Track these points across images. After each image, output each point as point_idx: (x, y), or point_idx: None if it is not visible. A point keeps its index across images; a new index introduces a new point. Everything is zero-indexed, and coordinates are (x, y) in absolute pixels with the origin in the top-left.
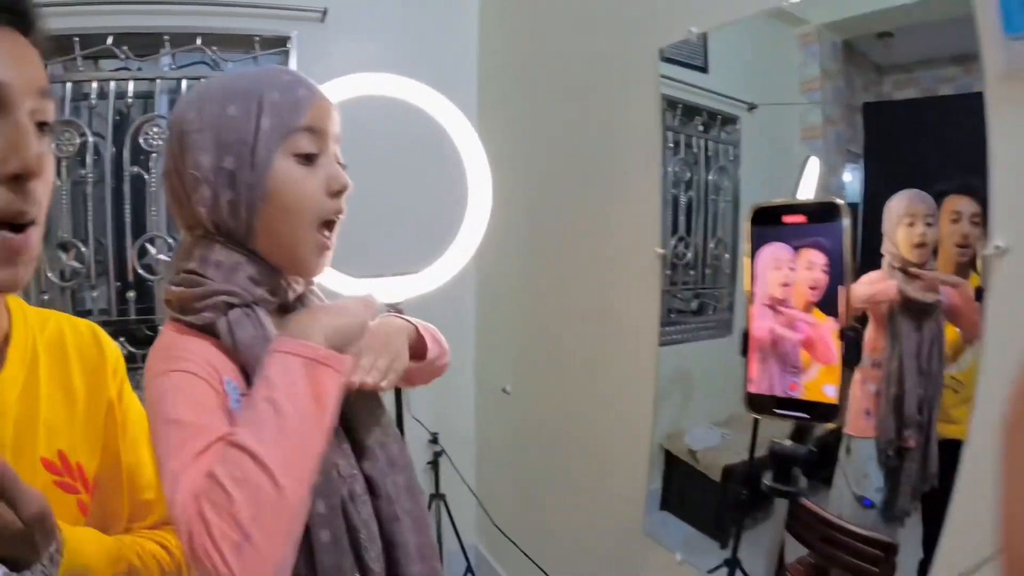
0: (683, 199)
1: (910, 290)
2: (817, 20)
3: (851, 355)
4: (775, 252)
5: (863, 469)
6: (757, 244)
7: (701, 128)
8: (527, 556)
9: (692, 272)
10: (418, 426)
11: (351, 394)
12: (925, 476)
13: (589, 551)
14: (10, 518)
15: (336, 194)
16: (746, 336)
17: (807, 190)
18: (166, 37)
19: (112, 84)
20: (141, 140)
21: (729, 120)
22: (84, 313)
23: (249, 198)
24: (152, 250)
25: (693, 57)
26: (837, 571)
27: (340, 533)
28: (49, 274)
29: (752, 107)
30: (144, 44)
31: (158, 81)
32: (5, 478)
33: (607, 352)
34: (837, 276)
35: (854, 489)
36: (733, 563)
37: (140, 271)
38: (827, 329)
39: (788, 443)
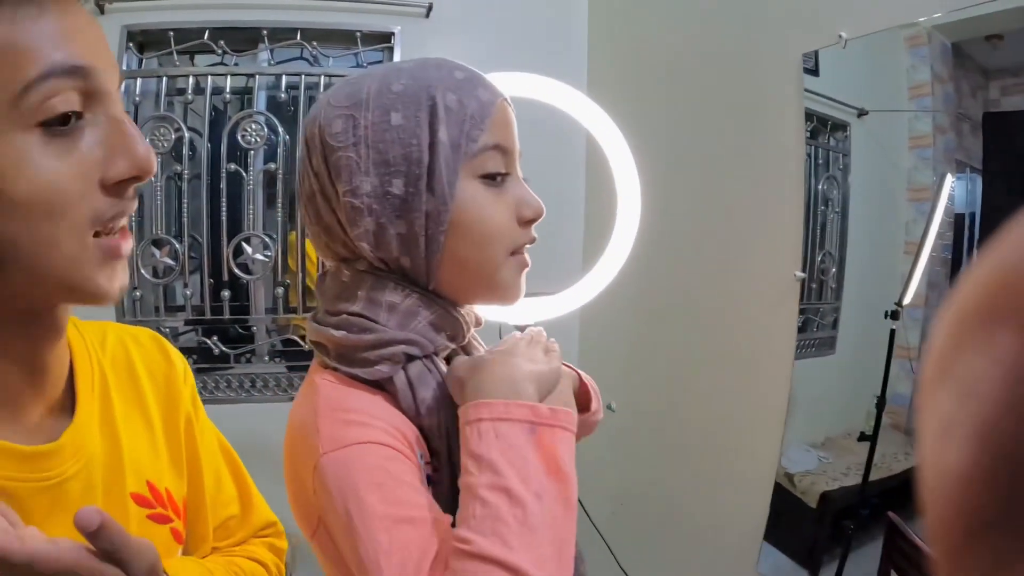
0: None
1: None
2: (926, 23)
3: None
4: None
5: None
6: None
7: (809, 134)
8: None
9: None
10: None
11: None
12: None
13: None
14: None
15: (529, 223)
16: None
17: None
18: (264, 32)
19: (208, 80)
20: (239, 137)
21: (839, 126)
22: (176, 309)
23: (430, 231)
24: (248, 249)
25: (805, 60)
26: None
27: None
28: (142, 270)
29: (862, 113)
30: (242, 39)
31: (256, 77)
32: (116, 540)
33: (731, 373)
34: None
35: None
36: None
37: (235, 270)
38: None
39: None
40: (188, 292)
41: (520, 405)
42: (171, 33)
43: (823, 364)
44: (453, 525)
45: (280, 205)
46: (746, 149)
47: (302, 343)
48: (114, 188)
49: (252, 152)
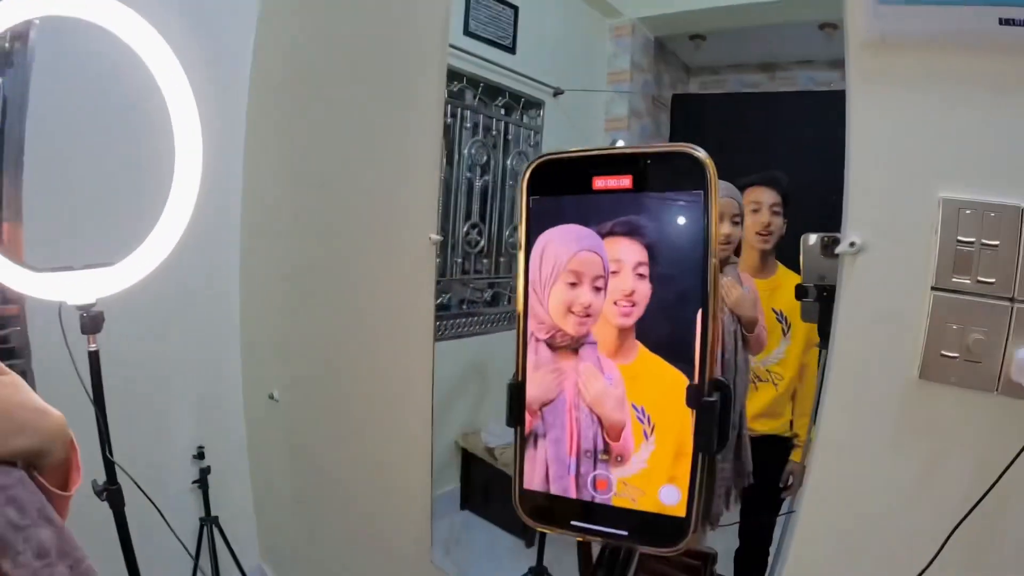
0: (478, 184)
1: None
2: (632, 14)
3: (710, 435)
4: (570, 241)
5: None
6: (540, 227)
7: (503, 111)
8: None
9: (486, 261)
10: (178, 441)
11: None
12: (740, 472)
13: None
14: None
15: None
16: (517, 391)
17: None
18: None
19: None
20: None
21: (533, 104)
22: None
23: None
24: None
25: (501, 36)
26: None
27: None
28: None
29: (558, 92)
30: None
31: None
32: None
33: (380, 349)
34: (691, 282)
35: None
36: (539, 571)
37: None
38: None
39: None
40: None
41: None
42: None
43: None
44: None
45: None
46: (388, 115)
47: None
48: None
49: None
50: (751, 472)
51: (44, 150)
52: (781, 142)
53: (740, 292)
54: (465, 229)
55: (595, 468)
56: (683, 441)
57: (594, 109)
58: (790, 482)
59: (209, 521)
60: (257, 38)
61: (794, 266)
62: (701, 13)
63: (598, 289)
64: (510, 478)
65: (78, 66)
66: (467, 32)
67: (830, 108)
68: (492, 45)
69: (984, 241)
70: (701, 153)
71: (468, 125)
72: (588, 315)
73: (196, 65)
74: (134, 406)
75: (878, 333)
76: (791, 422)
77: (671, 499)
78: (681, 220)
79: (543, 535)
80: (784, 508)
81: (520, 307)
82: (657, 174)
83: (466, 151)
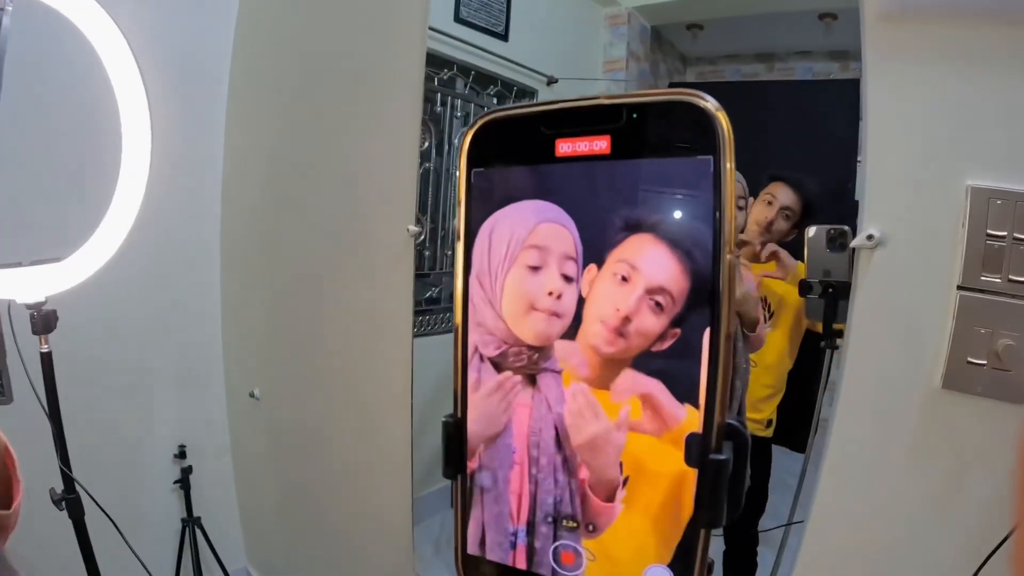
0: None
1: None
2: (628, 3)
3: (716, 500)
4: (531, 218)
5: None
6: (486, 209)
7: (495, 99)
8: None
9: None
10: (158, 441)
11: None
12: None
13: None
14: None
15: None
16: (456, 431)
17: None
18: None
19: None
20: None
21: (527, 93)
22: None
23: None
24: None
25: (493, 24)
26: None
27: None
28: None
29: (552, 81)
30: None
31: None
32: None
33: (358, 346)
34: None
35: None
36: None
37: None
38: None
39: None
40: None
41: None
42: None
43: None
44: None
45: None
46: (366, 104)
47: None
48: None
49: None
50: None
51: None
52: (784, 133)
53: (744, 290)
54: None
55: (557, 536)
56: (680, 506)
57: None
58: None
59: (191, 522)
60: (237, 29)
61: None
62: (698, 1)
63: (569, 279)
64: None
65: (30, 55)
66: (457, 19)
67: (835, 98)
68: (484, 32)
69: (1017, 235)
70: (710, 103)
71: (459, 114)
72: (556, 314)
73: (173, 59)
74: (113, 405)
75: (896, 337)
76: (771, 420)
77: None
78: (681, 200)
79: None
80: (787, 518)
81: (458, 316)
82: (646, 133)
83: (456, 140)
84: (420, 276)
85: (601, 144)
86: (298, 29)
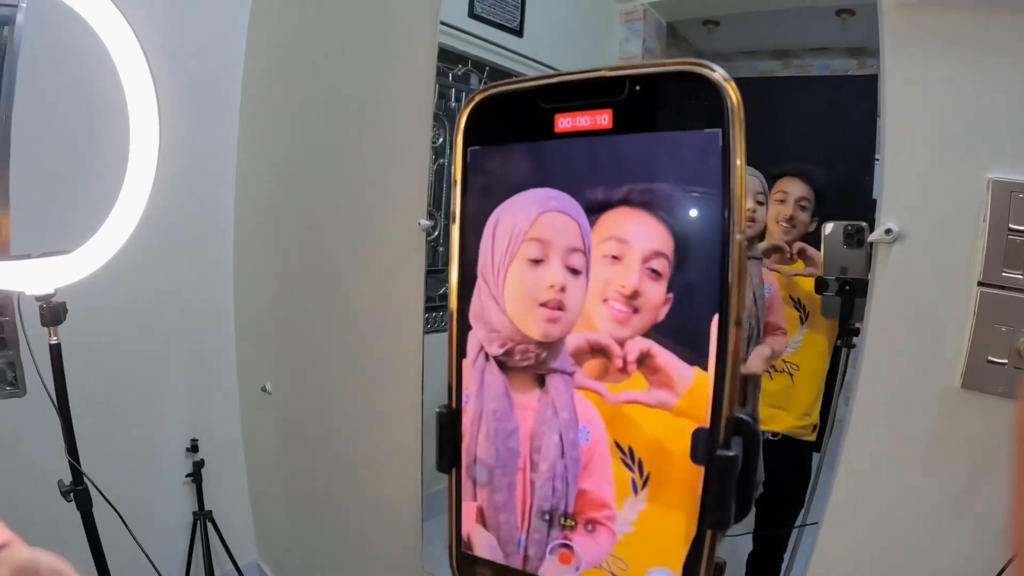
0: None
1: None
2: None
3: (723, 502)
4: (533, 208)
5: None
6: (488, 193)
7: None
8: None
9: None
10: (171, 435)
11: None
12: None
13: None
14: None
15: None
16: (450, 422)
17: None
18: None
19: None
20: None
21: None
22: None
23: None
24: None
25: (508, 19)
26: None
27: None
28: None
29: None
30: None
31: None
32: None
33: (369, 341)
34: (704, 272)
35: None
36: None
37: None
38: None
39: None
40: None
41: None
42: None
43: None
44: None
45: None
46: (377, 99)
47: None
48: None
49: None
50: (763, 481)
51: (32, 141)
52: (802, 129)
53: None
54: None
55: (554, 535)
56: (686, 504)
57: None
58: None
59: (203, 515)
60: (250, 26)
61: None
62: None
63: (576, 272)
64: None
65: (63, 55)
66: (472, 14)
67: (853, 95)
68: (498, 28)
69: None
70: (718, 72)
71: None
72: (560, 307)
73: (187, 56)
74: (126, 399)
75: (914, 335)
76: (816, 425)
77: None
78: (688, 177)
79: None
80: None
81: (453, 302)
82: (650, 106)
83: None
84: (432, 272)
85: (603, 119)
86: (310, 26)
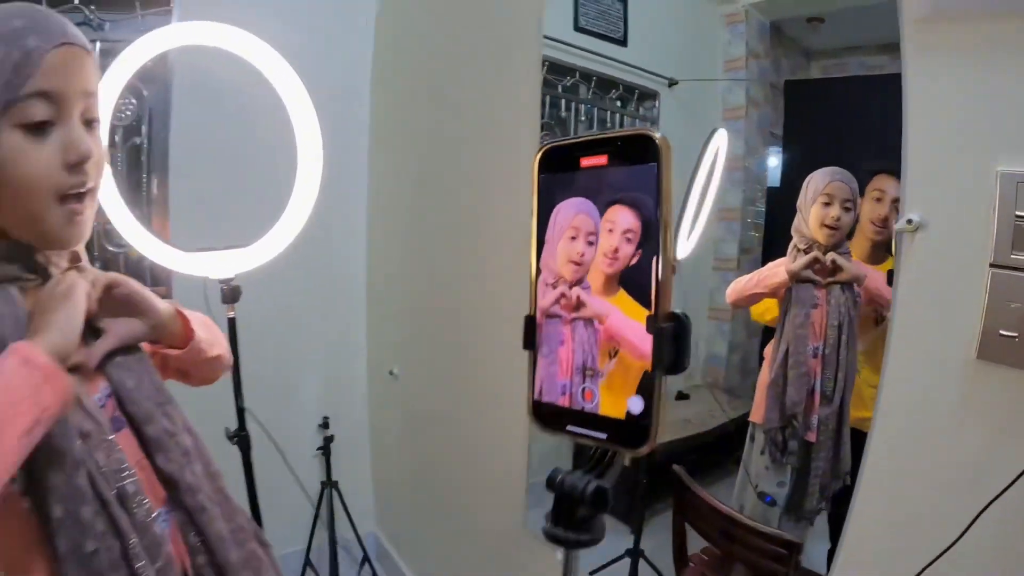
0: None
1: (808, 273)
2: (744, 0)
3: (663, 356)
4: (573, 210)
5: (764, 462)
6: (550, 199)
7: (618, 103)
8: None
9: None
10: (306, 411)
11: (125, 389)
12: (836, 472)
13: (474, 546)
14: None
15: (75, 166)
16: (531, 322)
17: (711, 167)
18: None
19: None
20: None
21: (648, 95)
22: None
23: None
24: None
25: (611, 30)
26: (742, 564)
27: (89, 541)
28: None
29: (673, 83)
30: None
31: None
32: None
33: (485, 337)
34: (653, 242)
35: (754, 482)
36: (636, 552)
37: None
38: (625, 320)
39: (574, 475)
40: None
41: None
42: None
43: None
44: None
45: None
46: (490, 109)
47: None
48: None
49: None
50: (847, 473)
51: (186, 154)
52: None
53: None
54: None
55: (584, 382)
56: (647, 360)
57: (711, 98)
58: None
59: (330, 484)
60: (376, 45)
61: None
62: None
63: (591, 243)
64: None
65: (210, 81)
66: (577, 28)
67: None
68: (603, 39)
69: None
70: (657, 135)
71: (583, 118)
72: (580, 263)
73: (320, 75)
74: (267, 377)
75: (935, 312)
76: None
77: (637, 408)
78: (645, 188)
79: (641, 519)
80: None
81: (533, 259)
82: (626, 152)
83: None
84: None
85: (603, 159)
86: (427, 51)
